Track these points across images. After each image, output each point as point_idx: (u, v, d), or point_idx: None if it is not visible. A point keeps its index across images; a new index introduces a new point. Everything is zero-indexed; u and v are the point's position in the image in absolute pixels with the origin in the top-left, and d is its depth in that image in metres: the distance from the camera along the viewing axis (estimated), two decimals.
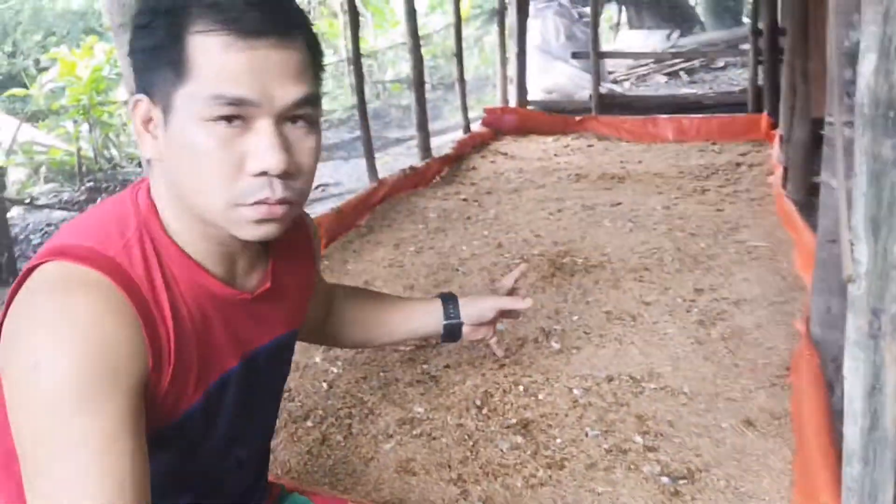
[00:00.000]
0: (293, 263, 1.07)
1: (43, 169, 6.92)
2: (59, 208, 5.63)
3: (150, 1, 0.86)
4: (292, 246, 1.06)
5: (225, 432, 1.00)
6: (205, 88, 0.82)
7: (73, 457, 0.77)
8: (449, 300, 1.40)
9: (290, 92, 0.85)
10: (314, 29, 0.91)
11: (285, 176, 0.86)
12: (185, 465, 0.98)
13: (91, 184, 6.13)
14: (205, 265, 0.92)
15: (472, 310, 1.40)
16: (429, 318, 1.39)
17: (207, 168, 0.84)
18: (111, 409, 0.79)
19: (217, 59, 0.82)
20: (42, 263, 0.84)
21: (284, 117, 0.86)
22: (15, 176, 6.64)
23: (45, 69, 9.66)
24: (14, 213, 5.68)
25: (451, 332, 1.40)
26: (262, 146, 0.84)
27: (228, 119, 0.83)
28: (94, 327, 0.79)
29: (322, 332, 1.38)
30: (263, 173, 0.84)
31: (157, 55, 0.84)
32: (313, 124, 0.89)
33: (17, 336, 0.81)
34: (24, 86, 8.45)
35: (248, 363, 0.99)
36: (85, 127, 7.00)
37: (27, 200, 5.95)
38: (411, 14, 4.88)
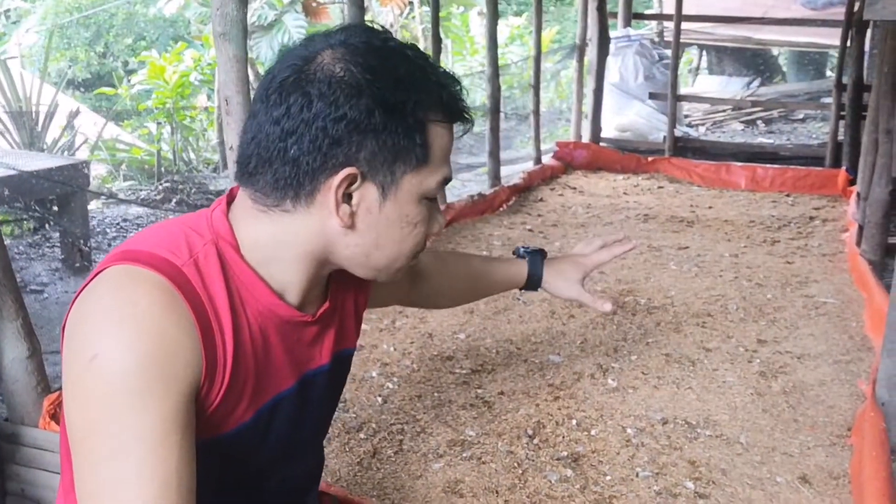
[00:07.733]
0: (351, 281, 1.08)
1: (123, 166, 7.16)
2: (136, 205, 5.81)
3: (386, 87, 0.87)
4: None
5: (272, 451, 1.02)
6: (438, 172, 0.93)
7: (121, 451, 0.77)
8: (534, 260, 1.60)
9: None
10: None
11: None
12: (227, 479, 0.99)
13: (168, 184, 6.31)
14: (283, 294, 0.94)
15: (555, 281, 1.61)
16: (511, 278, 1.59)
17: (414, 236, 0.96)
18: (163, 407, 0.79)
19: (443, 145, 0.93)
20: (109, 266, 0.85)
21: None
22: (96, 171, 6.88)
23: (134, 71, 10.03)
24: (92, 205, 5.88)
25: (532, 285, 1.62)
26: (438, 213, 1.00)
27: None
28: (153, 326, 0.80)
29: (408, 299, 1.49)
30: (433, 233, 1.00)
31: (397, 141, 0.88)
32: None
33: (78, 330, 0.82)
34: (112, 86, 8.77)
35: (303, 384, 1.02)
36: (167, 129, 7.23)
37: (106, 194, 6.17)
38: (492, 42, 4.94)
